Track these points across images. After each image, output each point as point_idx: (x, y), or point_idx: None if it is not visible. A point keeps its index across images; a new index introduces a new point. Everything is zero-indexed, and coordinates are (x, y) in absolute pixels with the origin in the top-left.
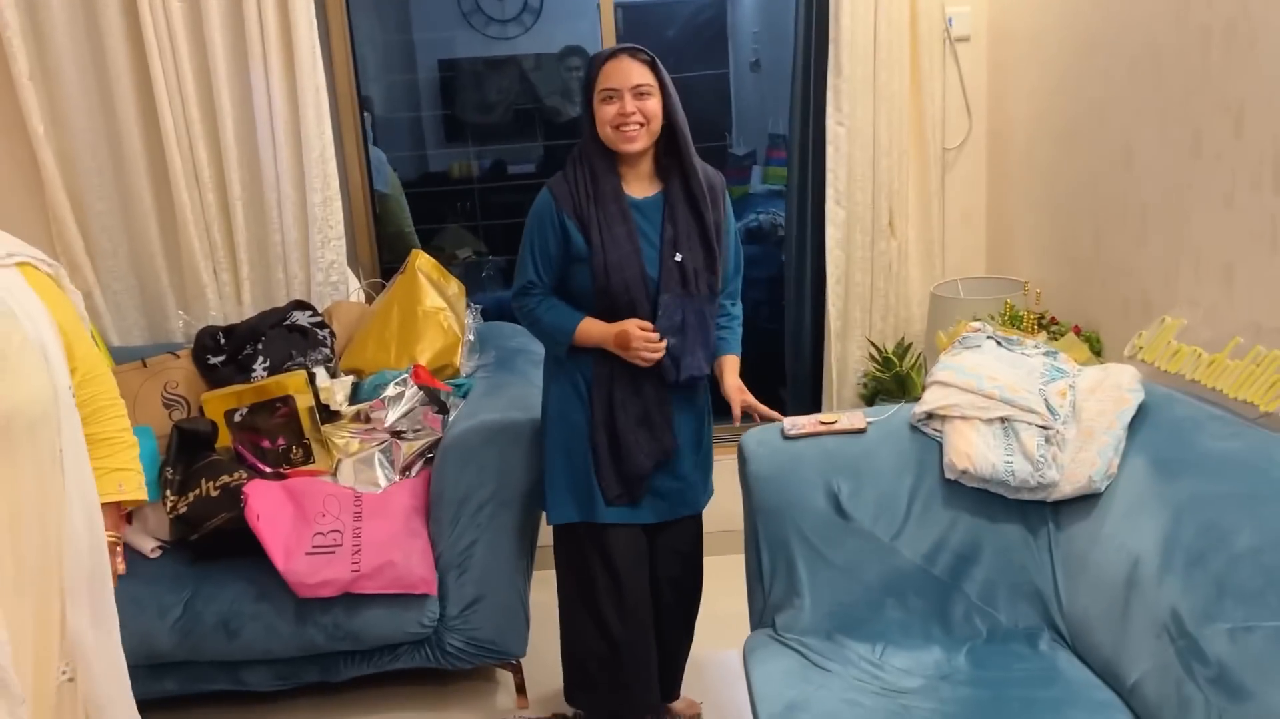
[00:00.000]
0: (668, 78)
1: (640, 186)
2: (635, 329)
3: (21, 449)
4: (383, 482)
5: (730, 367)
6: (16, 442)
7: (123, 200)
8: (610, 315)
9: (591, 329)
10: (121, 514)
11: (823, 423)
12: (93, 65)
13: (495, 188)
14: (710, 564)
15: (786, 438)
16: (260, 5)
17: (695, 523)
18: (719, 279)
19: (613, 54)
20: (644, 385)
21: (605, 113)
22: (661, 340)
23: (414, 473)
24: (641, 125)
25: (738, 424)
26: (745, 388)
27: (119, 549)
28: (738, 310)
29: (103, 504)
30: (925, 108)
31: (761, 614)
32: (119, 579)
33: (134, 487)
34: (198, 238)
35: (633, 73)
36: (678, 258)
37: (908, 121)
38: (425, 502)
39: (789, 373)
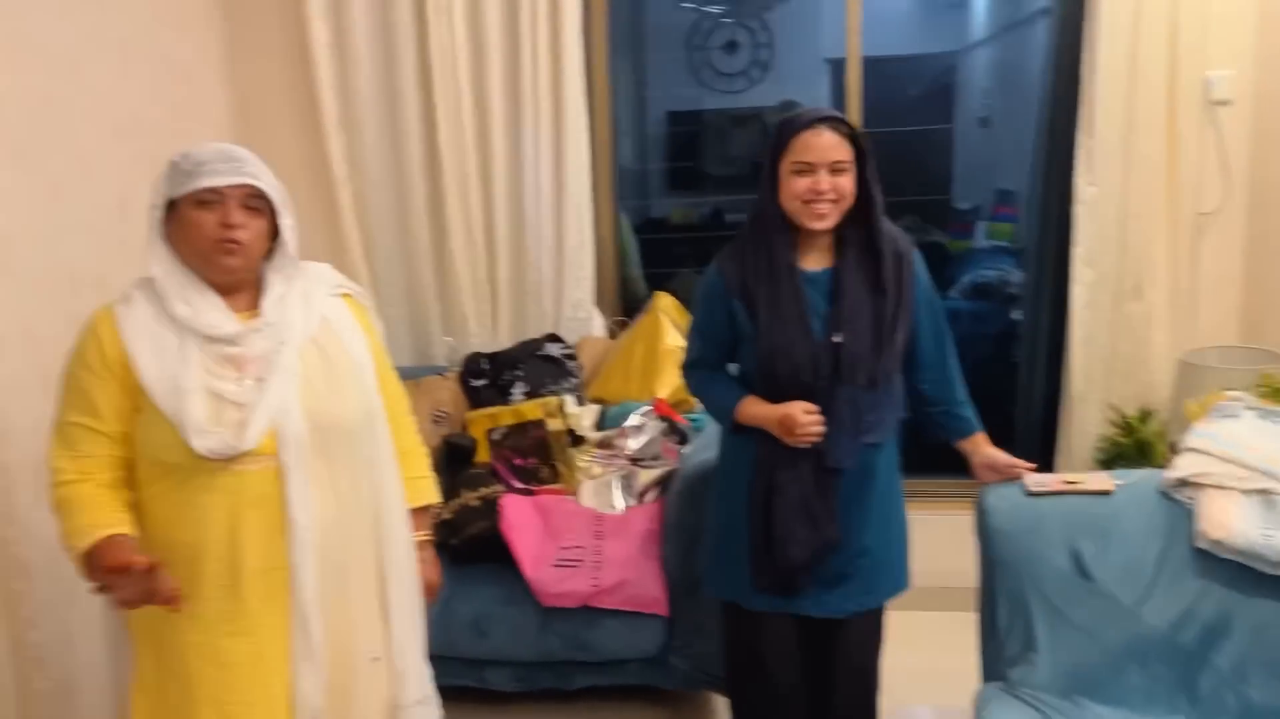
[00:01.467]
0: (868, 148)
1: (817, 258)
2: (800, 414)
3: (342, 454)
4: (621, 505)
5: (984, 442)
6: (339, 448)
7: (403, 237)
8: (775, 396)
9: (754, 409)
10: (427, 515)
11: (1067, 482)
12: (389, 119)
13: (715, 237)
14: (919, 619)
15: (1029, 495)
16: (535, 72)
17: (871, 621)
18: (885, 363)
19: (810, 123)
20: (805, 470)
21: (796, 186)
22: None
23: (650, 499)
24: (834, 203)
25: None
26: (1000, 453)
27: (431, 546)
28: (962, 393)
29: (411, 509)
30: (1179, 171)
31: (994, 668)
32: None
33: (433, 492)
34: (465, 273)
35: (832, 148)
36: (836, 338)
37: (1161, 184)
38: (661, 527)
39: (1018, 433)
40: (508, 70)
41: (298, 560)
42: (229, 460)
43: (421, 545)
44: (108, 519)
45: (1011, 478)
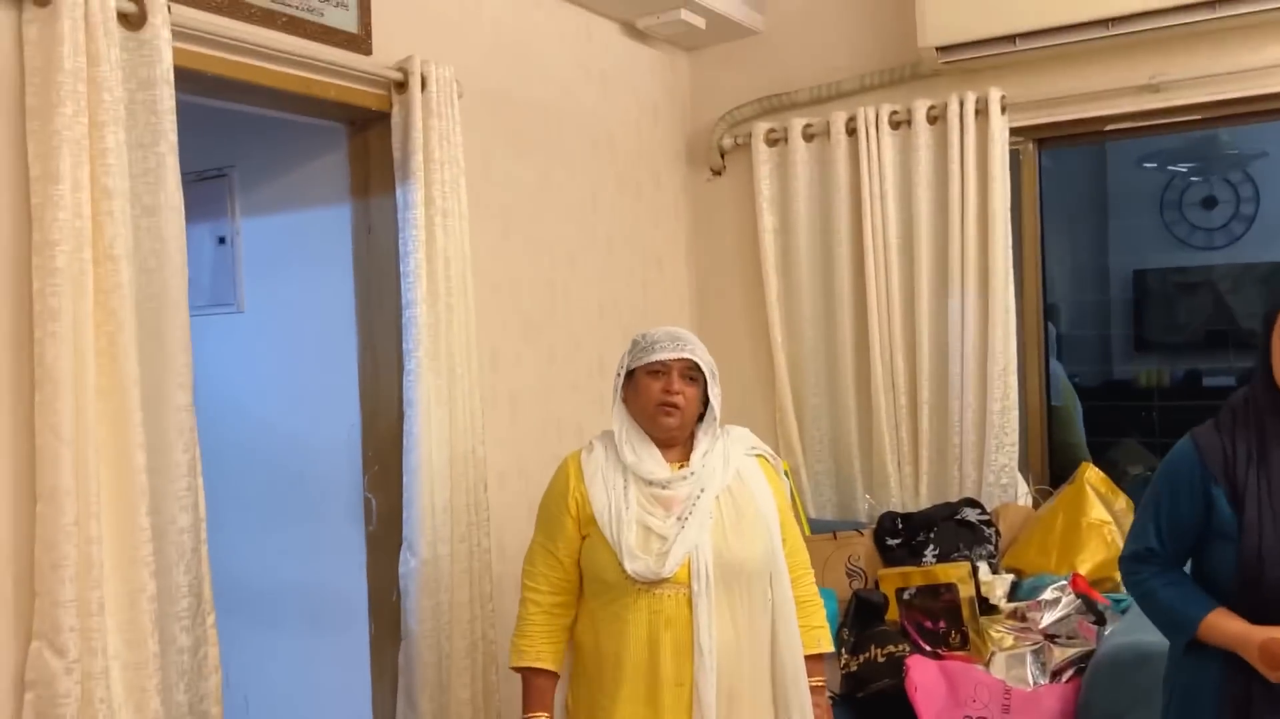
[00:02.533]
0: None
1: None
2: None
3: (741, 591)
4: (1032, 681)
5: None
6: (738, 585)
7: (832, 398)
8: (1258, 613)
9: (1226, 626)
10: (821, 663)
11: None
12: (823, 291)
13: (1180, 406)
14: None
15: None
16: (964, 244)
17: None
18: None
19: None
20: None
21: None
22: None
23: (1064, 679)
24: None
25: None
26: None
27: (825, 692)
28: None
29: (806, 655)
30: None
31: None
32: None
33: (828, 642)
34: (888, 434)
35: None
36: None
37: None
38: (1074, 709)
39: None
40: (936, 244)
41: (701, 680)
42: (651, 584)
43: (815, 690)
44: (540, 651)
45: None
